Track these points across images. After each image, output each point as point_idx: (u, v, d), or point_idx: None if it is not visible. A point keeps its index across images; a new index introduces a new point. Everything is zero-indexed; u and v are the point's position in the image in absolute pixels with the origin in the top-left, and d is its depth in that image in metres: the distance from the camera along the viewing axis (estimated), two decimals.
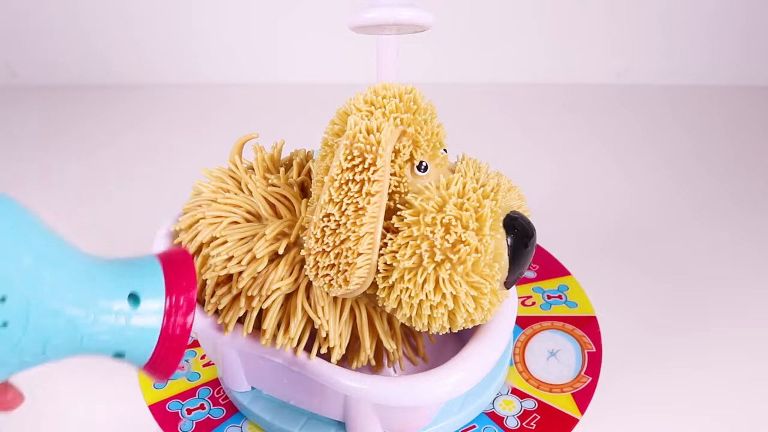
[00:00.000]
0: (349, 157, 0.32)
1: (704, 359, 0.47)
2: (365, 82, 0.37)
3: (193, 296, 0.24)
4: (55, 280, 0.21)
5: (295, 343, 0.36)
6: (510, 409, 0.43)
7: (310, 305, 0.36)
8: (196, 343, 0.49)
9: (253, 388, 0.43)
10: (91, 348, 0.23)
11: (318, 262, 0.33)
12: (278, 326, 0.36)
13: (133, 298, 0.23)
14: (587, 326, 0.50)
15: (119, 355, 0.24)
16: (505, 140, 0.78)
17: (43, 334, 0.21)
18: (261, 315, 0.37)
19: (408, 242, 0.32)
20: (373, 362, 0.39)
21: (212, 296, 0.37)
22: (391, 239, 0.33)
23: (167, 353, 0.24)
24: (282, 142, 0.42)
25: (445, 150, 0.36)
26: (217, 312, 0.38)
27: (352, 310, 0.37)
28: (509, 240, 0.33)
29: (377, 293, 0.33)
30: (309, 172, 0.40)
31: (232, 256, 0.36)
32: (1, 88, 0.94)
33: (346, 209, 0.32)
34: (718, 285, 0.54)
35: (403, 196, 0.34)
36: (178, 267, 0.25)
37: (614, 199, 0.66)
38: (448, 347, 0.45)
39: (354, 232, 0.32)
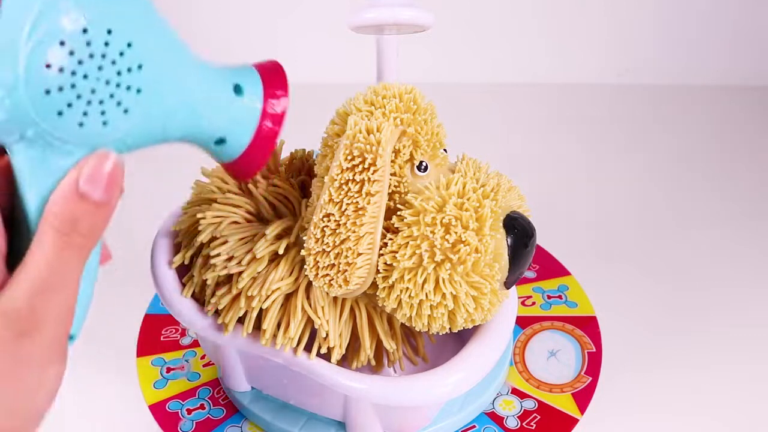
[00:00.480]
0: (349, 157, 0.32)
1: (704, 359, 0.47)
2: (365, 82, 0.37)
3: (286, 99, 0.28)
4: (178, 59, 0.24)
5: (295, 343, 0.36)
6: (510, 409, 0.43)
7: (310, 305, 0.36)
8: (196, 343, 0.49)
9: (253, 388, 0.43)
10: (202, 129, 0.26)
11: (318, 262, 0.33)
12: (278, 326, 0.36)
13: (238, 89, 0.27)
14: (587, 326, 0.50)
15: (221, 141, 0.27)
16: (505, 140, 0.78)
17: (168, 107, 0.24)
18: (261, 315, 0.37)
19: (408, 242, 0.32)
20: (373, 362, 0.39)
21: (212, 296, 0.37)
22: (391, 239, 0.33)
23: (259, 148, 0.27)
24: (282, 142, 0.42)
25: (445, 150, 0.36)
26: (217, 312, 0.38)
27: (352, 310, 0.37)
28: (509, 240, 0.33)
29: (377, 293, 0.33)
30: (309, 172, 0.40)
31: (233, 256, 0.36)
32: None
33: (346, 209, 0.32)
34: (718, 285, 0.54)
35: (403, 196, 0.34)
36: (272, 72, 0.28)
37: (614, 199, 0.66)
38: (448, 347, 0.45)
39: (354, 232, 0.32)
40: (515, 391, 0.45)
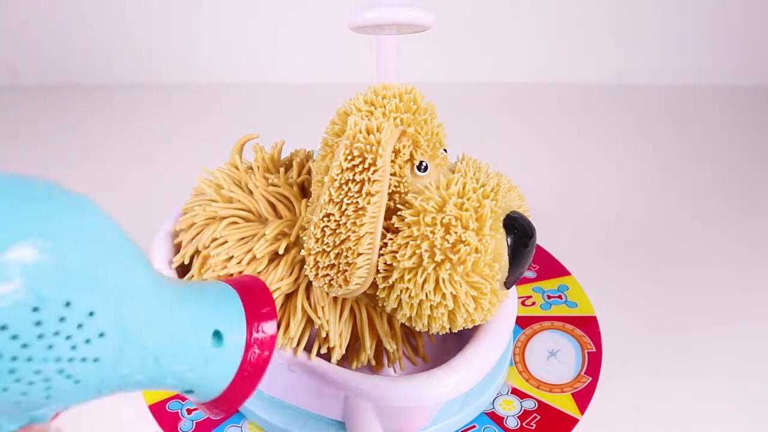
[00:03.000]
0: (349, 157, 0.32)
1: (704, 359, 0.47)
2: (365, 82, 0.37)
3: (274, 323, 0.23)
4: (149, 313, 0.20)
5: (295, 343, 0.36)
6: (510, 409, 0.43)
7: (310, 305, 0.36)
8: None
9: None
10: (168, 384, 0.21)
11: (318, 262, 0.33)
12: (278, 326, 0.36)
13: (217, 336, 0.22)
14: (587, 326, 0.50)
15: (189, 392, 0.22)
16: (505, 140, 0.78)
17: (129, 369, 0.20)
18: None
19: (408, 242, 0.32)
20: (373, 362, 0.39)
21: None
22: (391, 239, 0.33)
23: (237, 392, 0.23)
24: (282, 142, 0.42)
25: (445, 150, 0.36)
26: None
27: (352, 310, 0.37)
28: (509, 240, 0.33)
29: (377, 293, 0.33)
30: (309, 172, 0.40)
31: (232, 256, 0.36)
32: (1, 88, 0.94)
33: (346, 209, 0.32)
34: (718, 285, 0.54)
35: (403, 196, 0.34)
36: (255, 295, 0.24)
37: (614, 199, 0.66)
38: (448, 347, 0.45)
39: (354, 232, 0.31)
40: (515, 391, 0.45)
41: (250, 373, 0.23)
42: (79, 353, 0.18)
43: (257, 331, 0.23)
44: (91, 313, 0.18)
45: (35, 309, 0.16)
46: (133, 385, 0.20)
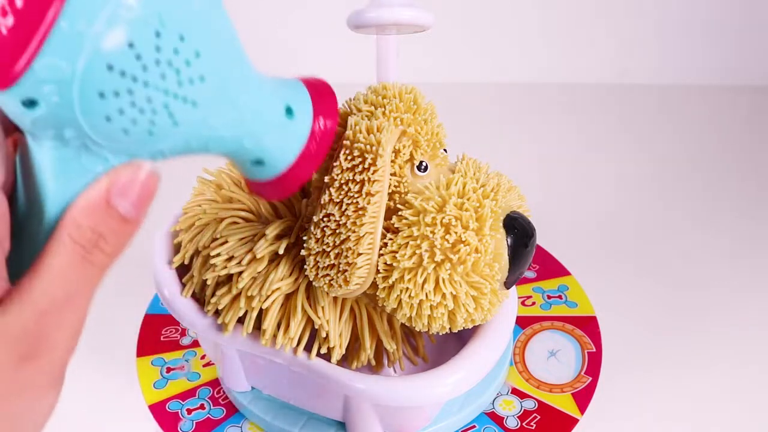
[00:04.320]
0: (349, 157, 0.32)
1: (704, 359, 0.47)
2: (365, 82, 0.37)
3: (335, 123, 0.27)
4: (239, 73, 0.23)
5: (295, 343, 0.36)
6: (510, 409, 0.43)
7: (310, 305, 0.36)
8: (196, 343, 0.49)
9: (253, 388, 0.43)
10: (245, 149, 0.24)
11: (318, 262, 0.33)
12: (278, 326, 0.36)
13: (289, 111, 0.25)
14: (587, 326, 0.50)
15: (259, 162, 0.25)
16: (505, 140, 0.78)
17: (219, 123, 0.22)
18: (261, 315, 0.37)
19: (408, 242, 0.32)
20: (373, 362, 0.39)
21: (212, 296, 0.37)
22: (391, 239, 0.33)
23: (298, 172, 0.26)
24: None
25: (445, 150, 0.36)
26: (217, 312, 0.38)
27: (352, 310, 0.37)
28: (509, 240, 0.33)
29: (377, 293, 0.33)
30: None
31: (233, 256, 0.36)
32: None
33: (346, 209, 0.32)
34: (718, 285, 0.54)
35: (403, 196, 0.34)
36: (321, 93, 0.27)
37: (614, 198, 0.66)
38: (448, 347, 0.45)
39: (354, 232, 0.32)
40: (515, 391, 0.45)
41: (313, 152, 0.26)
42: (183, 91, 0.20)
43: (321, 117, 0.26)
44: (197, 53, 0.20)
45: (157, 34, 0.19)
46: (217, 142, 0.23)
